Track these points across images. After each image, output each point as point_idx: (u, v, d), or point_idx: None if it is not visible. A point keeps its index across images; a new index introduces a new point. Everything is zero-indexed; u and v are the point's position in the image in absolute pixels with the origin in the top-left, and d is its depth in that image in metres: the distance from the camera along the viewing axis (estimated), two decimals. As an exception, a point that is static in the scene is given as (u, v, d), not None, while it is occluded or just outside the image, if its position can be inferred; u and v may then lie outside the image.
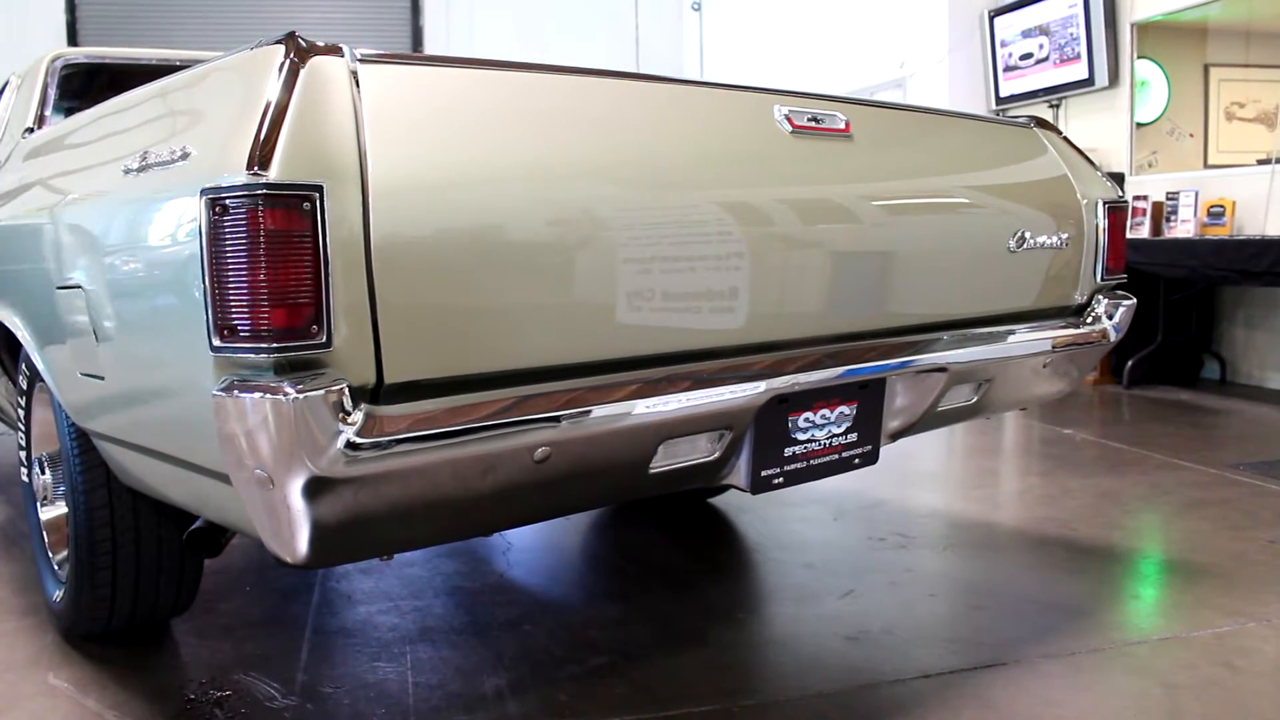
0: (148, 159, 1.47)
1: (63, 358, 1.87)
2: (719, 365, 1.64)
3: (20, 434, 2.42)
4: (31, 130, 2.79)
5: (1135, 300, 2.39)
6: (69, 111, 2.80)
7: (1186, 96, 6.68)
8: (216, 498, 1.49)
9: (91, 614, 2.09)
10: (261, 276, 1.20)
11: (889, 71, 7.74)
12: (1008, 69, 6.91)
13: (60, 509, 2.30)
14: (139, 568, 2.05)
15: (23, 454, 2.42)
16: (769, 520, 3.04)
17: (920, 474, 3.68)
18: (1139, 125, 6.27)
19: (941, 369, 1.97)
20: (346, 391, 1.25)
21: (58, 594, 2.22)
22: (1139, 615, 2.33)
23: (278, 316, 1.21)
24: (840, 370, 1.80)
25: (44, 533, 2.32)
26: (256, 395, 1.21)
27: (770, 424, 1.74)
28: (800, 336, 1.79)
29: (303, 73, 1.27)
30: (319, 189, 1.22)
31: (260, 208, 1.19)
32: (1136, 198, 5.69)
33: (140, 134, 1.63)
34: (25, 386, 2.32)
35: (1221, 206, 5.35)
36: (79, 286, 1.71)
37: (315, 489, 1.25)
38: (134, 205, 1.52)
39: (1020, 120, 2.36)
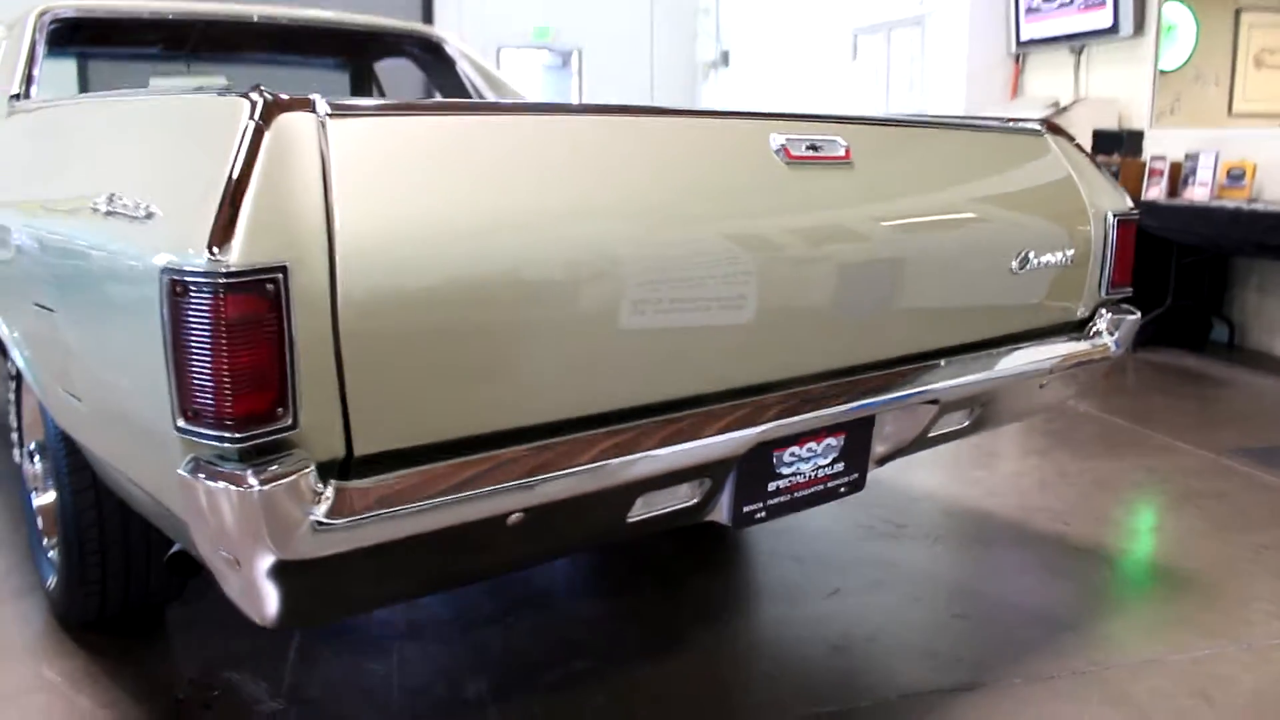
0: (114, 205, 1.42)
1: (44, 370, 1.85)
2: (701, 414, 1.60)
3: (13, 413, 2.42)
4: (18, 97, 2.69)
5: (1139, 314, 2.34)
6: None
7: (1215, 42, 6.47)
8: (189, 535, 1.48)
9: (84, 603, 2.12)
10: (224, 364, 1.16)
11: (908, 7, 7.50)
12: (1030, 10, 6.69)
13: (52, 496, 2.31)
14: (128, 558, 2.07)
15: (15, 435, 2.42)
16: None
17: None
18: (1162, 73, 6.08)
19: (933, 401, 1.94)
20: (313, 473, 1.22)
21: (52, 580, 2.24)
22: (1119, 631, 2.31)
23: (241, 404, 1.17)
24: (829, 411, 1.76)
25: (38, 518, 2.34)
26: (219, 484, 1.19)
27: (754, 464, 1.72)
28: (790, 377, 1.75)
29: (267, 136, 1.21)
30: (283, 269, 1.18)
31: (221, 294, 1.15)
32: (1154, 158, 5.55)
33: (111, 167, 1.58)
34: (13, 372, 2.31)
35: (1242, 169, 5.22)
36: (52, 310, 1.68)
37: (282, 570, 1.24)
38: (100, 252, 1.46)
39: (1030, 126, 2.27)
